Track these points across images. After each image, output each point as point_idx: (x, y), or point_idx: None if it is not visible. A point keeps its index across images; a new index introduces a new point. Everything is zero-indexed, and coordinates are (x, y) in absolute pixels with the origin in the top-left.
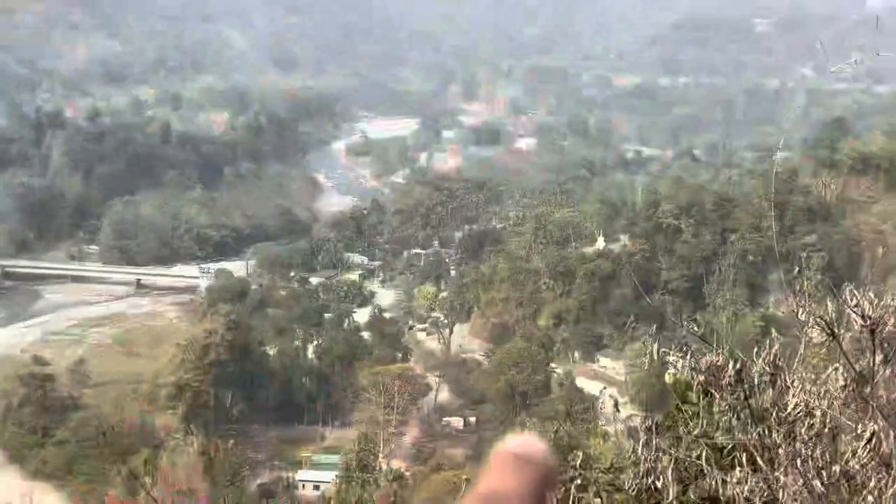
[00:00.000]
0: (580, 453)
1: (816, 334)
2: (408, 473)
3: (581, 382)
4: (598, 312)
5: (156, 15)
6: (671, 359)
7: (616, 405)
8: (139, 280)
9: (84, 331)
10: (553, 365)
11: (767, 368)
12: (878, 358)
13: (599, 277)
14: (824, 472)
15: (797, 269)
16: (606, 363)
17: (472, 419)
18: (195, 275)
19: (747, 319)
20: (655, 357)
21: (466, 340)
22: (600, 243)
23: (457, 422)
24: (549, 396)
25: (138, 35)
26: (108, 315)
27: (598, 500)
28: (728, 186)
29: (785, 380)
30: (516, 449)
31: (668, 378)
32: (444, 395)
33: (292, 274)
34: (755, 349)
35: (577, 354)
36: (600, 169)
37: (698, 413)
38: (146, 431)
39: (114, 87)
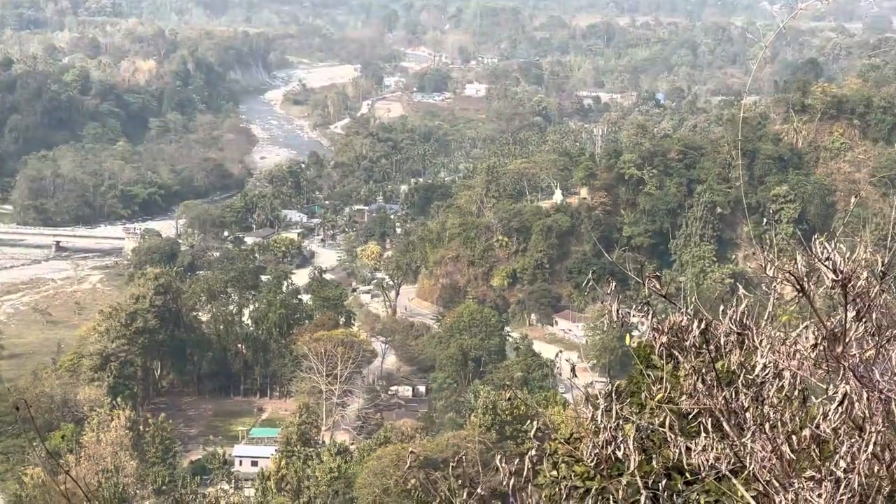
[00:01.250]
0: (534, 423)
1: (788, 290)
2: (353, 447)
3: (539, 347)
4: (557, 271)
5: None
6: (633, 320)
7: (573, 370)
8: (58, 242)
9: None
10: (508, 329)
11: (734, 328)
12: (851, 314)
13: (557, 233)
14: (794, 437)
15: (765, 221)
16: (566, 325)
17: (422, 388)
18: (120, 235)
19: (716, 276)
20: (615, 318)
21: (414, 303)
22: (557, 196)
23: (405, 391)
24: (504, 362)
25: None
26: (24, 280)
27: (556, 472)
28: (694, 134)
29: (753, 340)
30: None
31: (628, 341)
32: (391, 361)
33: (226, 233)
34: (721, 308)
35: (533, 317)
36: (556, 116)
37: (662, 377)
38: (68, 405)
39: (26, 33)
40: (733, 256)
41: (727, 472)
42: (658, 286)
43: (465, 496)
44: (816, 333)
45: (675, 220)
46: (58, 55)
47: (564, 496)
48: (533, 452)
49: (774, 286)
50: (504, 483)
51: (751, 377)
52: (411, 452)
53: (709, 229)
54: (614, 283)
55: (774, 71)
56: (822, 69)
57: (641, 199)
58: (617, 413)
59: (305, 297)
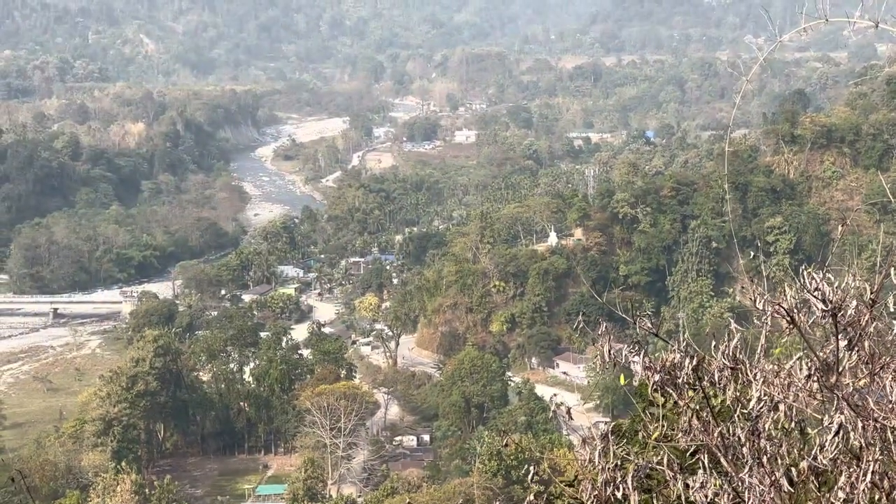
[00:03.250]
0: (532, 468)
1: (784, 323)
2: (360, 499)
3: (541, 390)
4: (555, 313)
5: (54, 19)
6: (630, 358)
7: (569, 412)
8: (56, 309)
9: None
10: (509, 373)
11: (727, 363)
12: (843, 344)
13: (553, 276)
14: (792, 470)
15: (752, 254)
16: (567, 367)
17: (426, 437)
18: (117, 299)
19: (714, 310)
20: (608, 358)
21: (414, 352)
22: (552, 239)
23: (409, 440)
24: (507, 407)
25: (37, 43)
26: (23, 349)
27: None
28: (685, 169)
29: (747, 373)
30: None
31: (622, 381)
32: (394, 412)
33: (223, 292)
34: (714, 343)
35: (534, 360)
36: (547, 159)
37: (662, 415)
38: (73, 472)
39: (15, 102)
40: (731, 290)
41: None
42: (649, 324)
43: None
44: (809, 364)
45: (670, 257)
46: (47, 122)
47: None
48: (532, 497)
49: (766, 319)
50: None
51: (746, 411)
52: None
53: (705, 264)
54: (605, 324)
55: (762, 103)
56: (810, 99)
57: (636, 238)
58: (615, 453)
59: (305, 352)
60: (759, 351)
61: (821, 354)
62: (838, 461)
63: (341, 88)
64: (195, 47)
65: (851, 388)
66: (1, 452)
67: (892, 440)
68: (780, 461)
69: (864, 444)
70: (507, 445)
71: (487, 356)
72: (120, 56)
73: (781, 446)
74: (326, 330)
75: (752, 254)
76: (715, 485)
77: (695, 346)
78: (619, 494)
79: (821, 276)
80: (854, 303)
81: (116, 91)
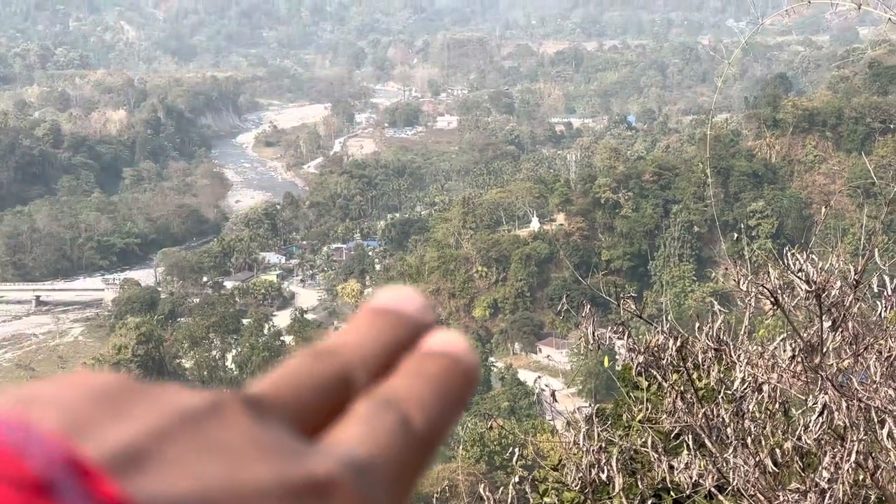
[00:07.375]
0: (516, 452)
1: (767, 305)
2: None
3: (524, 375)
4: (538, 299)
5: (35, 6)
6: (613, 341)
7: (553, 395)
8: (38, 297)
9: None
10: (492, 359)
11: (711, 344)
12: (826, 325)
13: (536, 261)
14: (777, 450)
15: (736, 237)
16: (550, 352)
17: None
18: (99, 287)
19: (696, 294)
20: (591, 340)
21: None
22: (535, 224)
23: None
24: (490, 393)
25: (18, 30)
26: (6, 337)
27: (547, 499)
28: (667, 154)
29: (730, 355)
30: (383, 303)
31: (606, 363)
32: None
33: (204, 279)
34: (697, 325)
35: (517, 345)
36: (528, 144)
37: (647, 398)
38: None
39: None
40: (713, 274)
41: (713, 489)
42: (633, 307)
43: None
44: (794, 345)
45: (652, 242)
46: (28, 110)
47: None
48: (516, 480)
49: (749, 301)
50: None
51: (730, 392)
52: None
53: (687, 248)
54: (589, 307)
55: (744, 87)
56: (792, 83)
57: (618, 223)
58: (599, 435)
59: (288, 339)
60: (742, 333)
61: (805, 335)
62: (822, 441)
63: (323, 74)
64: (176, 34)
65: (835, 368)
66: None
67: (875, 420)
68: (764, 442)
69: (848, 425)
70: (491, 429)
71: (470, 341)
72: (101, 43)
73: (765, 427)
74: (309, 316)
75: (737, 236)
76: (699, 465)
77: (679, 329)
78: (603, 476)
79: (805, 257)
80: (838, 284)
81: (97, 78)
